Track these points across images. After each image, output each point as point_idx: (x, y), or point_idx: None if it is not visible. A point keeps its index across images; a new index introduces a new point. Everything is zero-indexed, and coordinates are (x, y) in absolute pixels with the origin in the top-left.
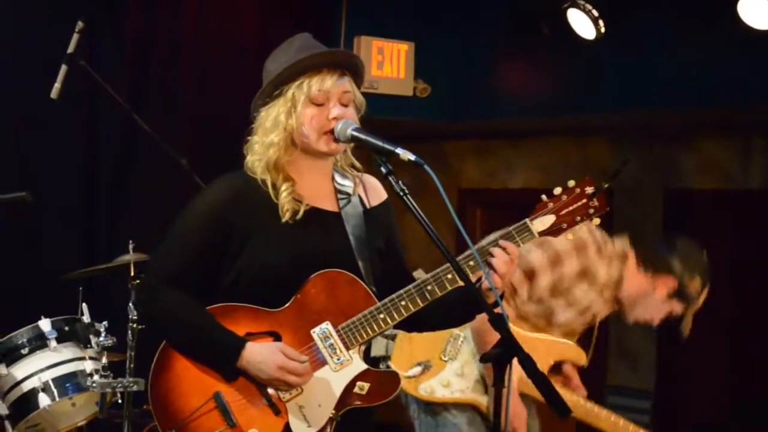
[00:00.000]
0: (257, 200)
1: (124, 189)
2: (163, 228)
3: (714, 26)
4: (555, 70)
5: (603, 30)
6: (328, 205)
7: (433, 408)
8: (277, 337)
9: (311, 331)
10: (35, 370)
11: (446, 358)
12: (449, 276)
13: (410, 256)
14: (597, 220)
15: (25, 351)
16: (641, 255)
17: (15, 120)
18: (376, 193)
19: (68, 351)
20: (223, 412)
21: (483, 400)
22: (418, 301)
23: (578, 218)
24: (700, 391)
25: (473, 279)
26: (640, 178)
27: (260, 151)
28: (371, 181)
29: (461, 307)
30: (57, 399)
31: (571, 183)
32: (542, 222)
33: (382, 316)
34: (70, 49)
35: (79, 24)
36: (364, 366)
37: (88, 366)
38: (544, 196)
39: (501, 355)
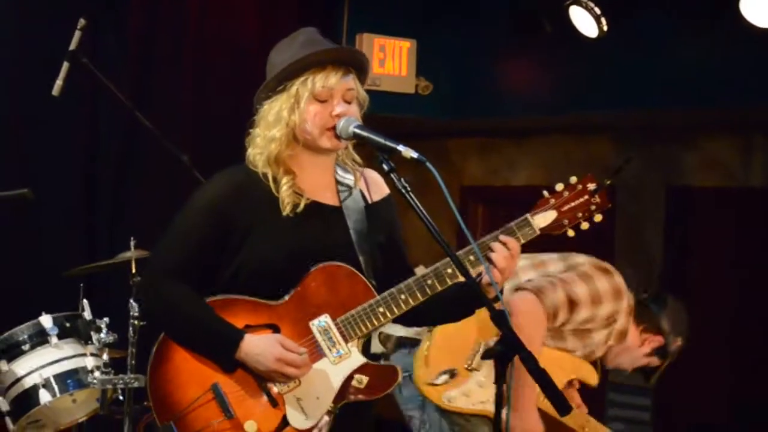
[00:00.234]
0: (258, 194)
1: (126, 186)
2: (164, 225)
3: (716, 24)
4: (557, 68)
5: (605, 28)
6: (329, 198)
7: (451, 417)
8: (276, 330)
9: (310, 324)
10: (36, 366)
11: (471, 368)
12: (449, 270)
13: (412, 253)
14: (599, 217)
15: (26, 347)
16: (637, 310)
17: (16, 117)
18: (378, 188)
19: (69, 347)
20: (221, 404)
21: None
22: (418, 295)
23: (580, 214)
24: (700, 390)
25: (474, 274)
26: (642, 176)
27: (262, 144)
28: (373, 176)
29: (461, 302)
30: (58, 395)
31: (573, 179)
32: (544, 218)
33: (381, 309)
34: (72, 47)
35: (82, 21)
36: (362, 359)
37: (89, 362)
38: (545, 192)
39: (503, 352)
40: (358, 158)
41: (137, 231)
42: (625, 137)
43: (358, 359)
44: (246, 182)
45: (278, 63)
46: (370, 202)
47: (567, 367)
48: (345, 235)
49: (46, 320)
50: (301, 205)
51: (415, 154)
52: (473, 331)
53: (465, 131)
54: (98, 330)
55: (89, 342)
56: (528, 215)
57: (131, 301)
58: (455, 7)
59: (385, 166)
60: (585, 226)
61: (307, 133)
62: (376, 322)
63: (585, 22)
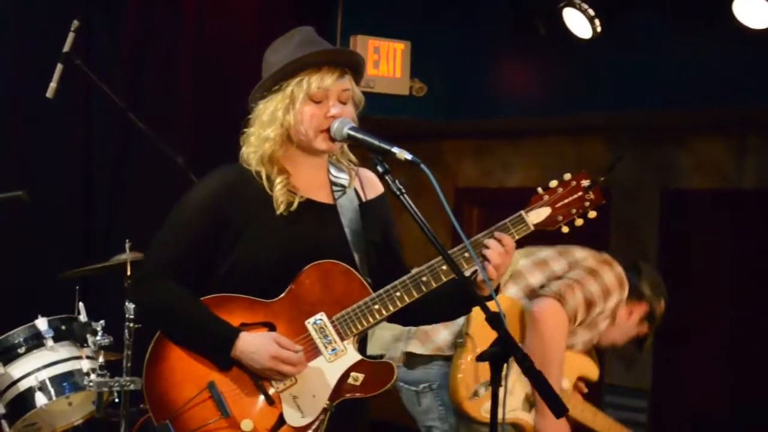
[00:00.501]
0: (252, 192)
1: (121, 188)
2: (159, 227)
3: (709, 25)
4: (551, 70)
5: (599, 29)
6: (323, 197)
7: (476, 427)
8: (271, 328)
9: (306, 322)
10: (32, 369)
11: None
12: (444, 267)
13: (406, 255)
14: (593, 214)
15: (21, 350)
16: None
17: (11, 119)
18: (372, 187)
19: (65, 350)
20: (217, 403)
21: (529, 419)
22: (413, 292)
23: (574, 211)
24: (697, 390)
25: (469, 272)
26: (636, 178)
27: (256, 143)
28: (368, 174)
29: (456, 299)
30: (54, 398)
31: (567, 176)
32: (538, 214)
33: (376, 306)
34: (66, 48)
35: (75, 23)
36: (358, 357)
37: (85, 365)
38: (539, 189)
39: (498, 354)
40: (353, 157)
41: (133, 233)
42: (620, 139)
43: (353, 356)
44: (239, 180)
45: (274, 62)
46: (364, 200)
47: (574, 365)
48: (339, 233)
49: (41, 323)
50: (295, 204)
51: (409, 156)
52: None
53: (459, 133)
54: (94, 332)
55: (85, 345)
56: (522, 212)
57: (127, 303)
58: (449, 9)
59: (379, 168)
60: (579, 222)
61: (302, 134)
62: (371, 320)
63: (578, 24)
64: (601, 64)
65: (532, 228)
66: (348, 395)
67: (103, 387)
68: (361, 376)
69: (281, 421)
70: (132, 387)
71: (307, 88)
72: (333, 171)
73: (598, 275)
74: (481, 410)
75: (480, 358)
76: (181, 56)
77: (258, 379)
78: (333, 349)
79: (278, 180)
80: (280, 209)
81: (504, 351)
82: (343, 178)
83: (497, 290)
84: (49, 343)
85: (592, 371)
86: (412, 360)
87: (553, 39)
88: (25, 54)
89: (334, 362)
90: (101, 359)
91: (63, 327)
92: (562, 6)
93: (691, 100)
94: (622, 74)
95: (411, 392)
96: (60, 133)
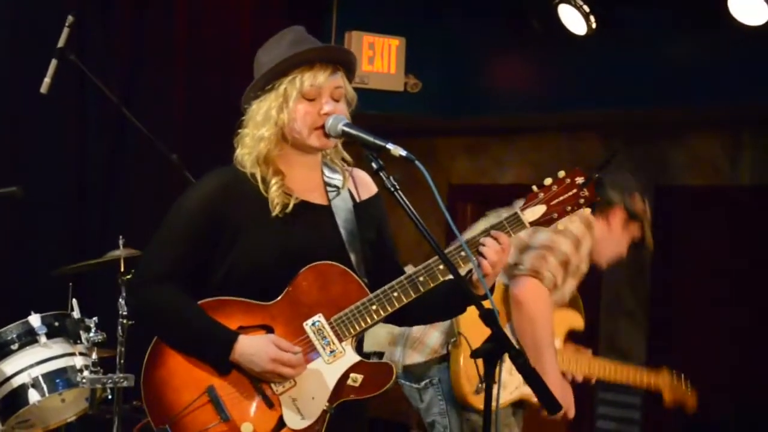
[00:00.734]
0: (247, 194)
1: (115, 184)
2: (153, 223)
3: (705, 22)
4: (546, 66)
5: (594, 26)
6: (318, 198)
7: (476, 420)
8: (269, 331)
9: (304, 324)
10: (25, 365)
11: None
12: (441, 267)
13: (400, 252)
14: (587, 210)
15: (14, 347)
16: None
17: (4, 115)
18: (366, 187)
19: (58, 347)
20: (217, 407)
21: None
22: (411, 292)
23: (569, 208)
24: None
25: (465, 270)
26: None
27: (250, 144)
28: (361, 175)
29: (453, 299)
30: (47, 395)
31: (562, 173)
32: (533, 212)
33: (374, 307)
34: (61, 44)
35: (70, 18)
36: (357, 358)
37: (78, 362)
38: (534, 187)
39: (492, 350)
40: (348, 157)
41: (126, 229)
42: (614, 136)
43: (352, 357)
44: (234, 182)
45: (266, 62)
46: (358, 200)
47: (561, 321)
48: (335, 234)
49: (34, 319)
50: (290, 205)
51: (403, 152)
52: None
53: (453, 129)
54: (87, 329)
55: (78, 341)
56: (518, 210)
57: (120, 300)
58: (444, 5)
59: (373, 165)
60: None
61: (296, 132)
62: (369, 320)
63: (574, 20)
64: (596, 61)
65: (528, 226)
66: (347, 396)
67: (96, 384)
68: (360, 377)
69: (281, 423)
70: (125, 384)
71: (300, 86)
72: (327, 172)
73: (567, 230)
74: None
75: (474, 354)
76: (175, 52)
77: (257, 382)
78: (331, 351)
79: (273, 181)
80: (276, 211)
81: (498, 347)
82: (336, 178)
83: (492, 289)
84: (42, 339)
85: (578, 321)
86: (411, 368)
87: (548, 36)
88: (19, 49)
89: (333, 364)
90: (94, 356)
91: (56, 323)
92: (557, 2)
93: (686, 96)
94: (617, 71)
95: (413, 389)
96: (54, 129)
